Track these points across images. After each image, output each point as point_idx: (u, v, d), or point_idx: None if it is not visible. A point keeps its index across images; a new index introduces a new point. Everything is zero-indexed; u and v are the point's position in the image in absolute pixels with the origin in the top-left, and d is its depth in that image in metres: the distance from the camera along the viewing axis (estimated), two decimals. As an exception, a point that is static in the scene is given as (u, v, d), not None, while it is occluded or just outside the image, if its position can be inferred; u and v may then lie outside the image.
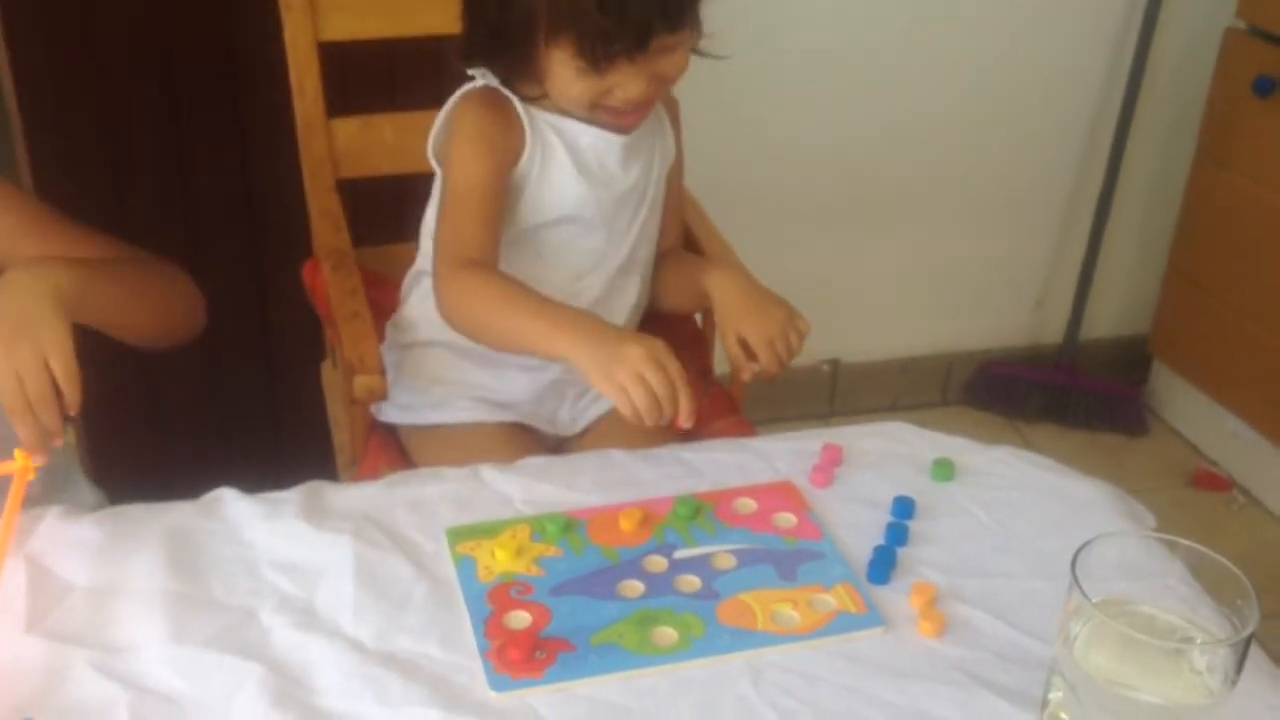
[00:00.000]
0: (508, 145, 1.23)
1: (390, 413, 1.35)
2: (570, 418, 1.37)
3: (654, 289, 1.39)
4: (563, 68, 1.16)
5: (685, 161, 1.41)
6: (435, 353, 1.34)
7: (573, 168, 1.25)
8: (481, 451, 1.16)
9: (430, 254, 1.30)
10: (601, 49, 1.13)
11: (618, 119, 1.23)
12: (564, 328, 1.10)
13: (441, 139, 1.28)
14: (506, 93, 1.24)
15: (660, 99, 1.30)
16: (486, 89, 1.25)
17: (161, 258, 1.16)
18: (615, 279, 1.32)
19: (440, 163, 1.28)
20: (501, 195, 1.23)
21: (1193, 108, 2.27)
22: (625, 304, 1.35)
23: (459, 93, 1.27)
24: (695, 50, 1.25)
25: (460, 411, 1.31)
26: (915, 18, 2.15)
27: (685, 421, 1.05)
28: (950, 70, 2.21)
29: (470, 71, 1.25)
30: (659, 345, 1.06)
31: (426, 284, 1.33)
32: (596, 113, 1.21)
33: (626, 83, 1.16)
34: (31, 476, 0.96)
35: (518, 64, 1.20)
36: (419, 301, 1.35)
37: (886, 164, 2.26)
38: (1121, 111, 2.26)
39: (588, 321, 1.11)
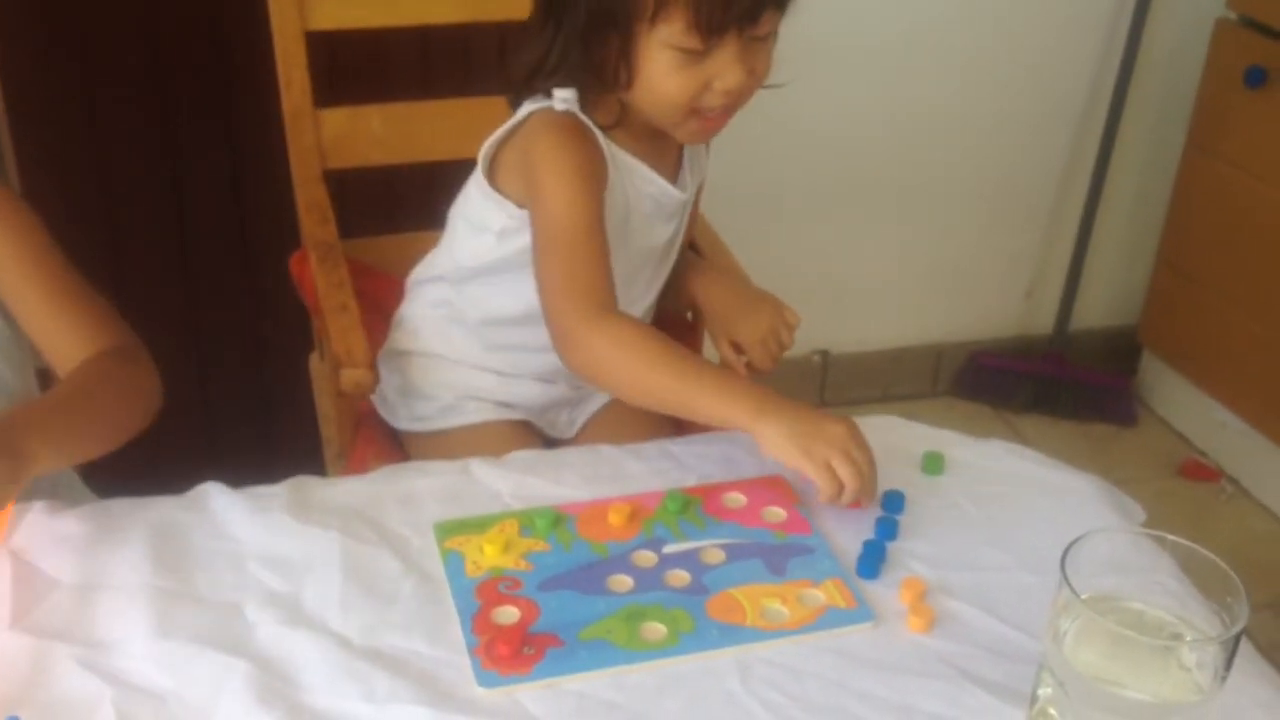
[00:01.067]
0: (601, 181, 1.18)
1: (405, 422, 1.35)
2: (568, 421, 1.36)
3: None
4: (663, 55, 1.11)
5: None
6: (444, 363, 1.32)
7: (629, 213, 1.22)
8: (491, 452, 1.14)
9: (451, 263, 1.28)
10: (718, 15, 1.08)
11: (709, 124, 1.17)
12: (743, 398, 1.04)
13: (499, 154, 1.22)
14: (587, 121, 1.17)
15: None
16: (568, 115, 1.17)
17: (124, 339, 1.11)
18: None
19: (530, 196, 1.18)
20: (606, 234, 1.16)
21: (1183, 98, 2.27)
22: None
23: (529, 112, 1.19)
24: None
25: (470, 414, 1.30)
26: (906, 10, 2.15)
27: (868, 503, 1.01)
28: (941, 61, 2.21)
29: (557, 94, 1.17)
30: (855, 424, 1.02)
31: (432, 292, 1.32)
32: (688, 119, 1.16)
33: (726, 71, 1.11)
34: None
35: (607, 65, 1.14)
36: (425, 311, 1.33)
37: (877, 155, 2.26)
38: (1112, 102, 2.26)
39: (764, 393, 1.05)
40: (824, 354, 2.43)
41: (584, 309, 1.11)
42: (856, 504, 1.00)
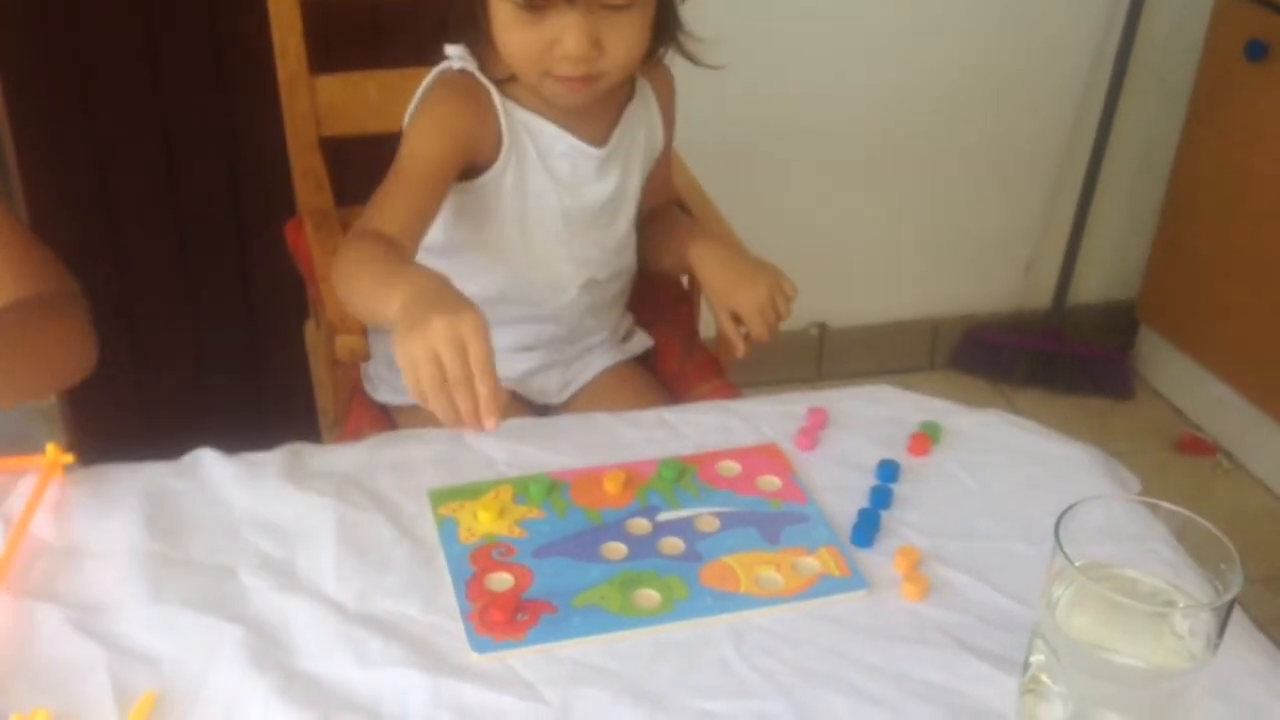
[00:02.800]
0: (474, 136, 1.19)
1: (385, 394, 1.34)
2: (560, 385, 1.36)
3: (640, 249, 1.38)
4: (502, 8, 1.11)
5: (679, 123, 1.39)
6: None
7: (545, 173, 1.23)
8: None
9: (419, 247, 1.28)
10: None
11: (566, 87, 1.16)
12: (403, 288, 0.95)
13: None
14: (484, 81, 1.19)
15: (647, 76, 1.27)
16: (464, 73, 1.20)
17: (62, 288, 1.08)
18: (595, 290, 1.31)
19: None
20: (443, 183, 1.17)
21: (1184, 72, 2.26)
22: (605, 309, 1.35)
23: (434, 72, 1.23)
24: (686, 54, 1.25)
25: None
26: (906, -20, 2.14)
27: (486, 421, 0.88)
28: (942, 34, 2.20)
29: (448, 50, 1.20)
30: (470, 322, 0.88)
31: None
32: (545, 82, 1.16)
33: (565, 35, 1.10)
34: (59, 474, 0.96)
35: (471, 25, 1.16)
36: None
37: (877, 127, 2.25)
38: (1113, 75, 2.25)
39: (429, 284, 0.95)
40: (821, 326, 2.42)
41: (359, 228, 1.12)
42: (476, 423, 0.89)
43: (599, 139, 1.25)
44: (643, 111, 1.29)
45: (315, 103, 1.45)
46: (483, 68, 1.20)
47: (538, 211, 1.24)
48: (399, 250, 1.08)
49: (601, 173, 1.26)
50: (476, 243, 1.25)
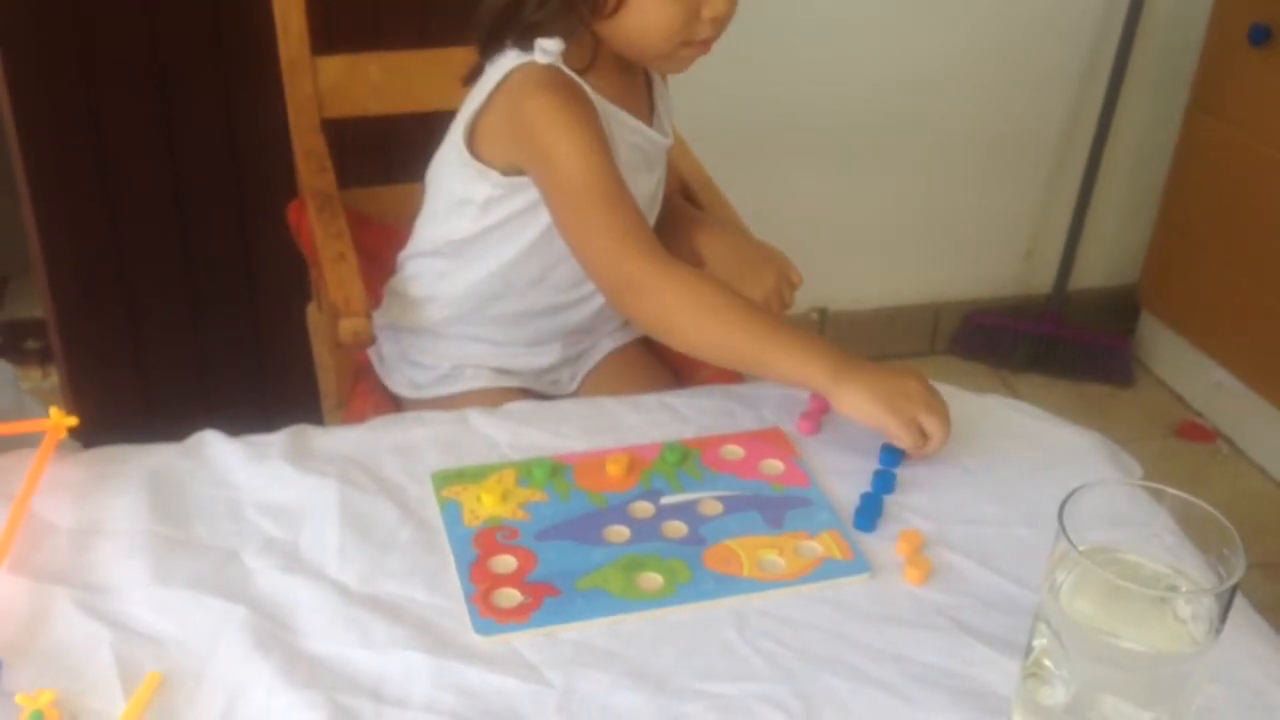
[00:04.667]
0: (604, 131, 1.13)
1: (402, 388, 1.34)
2: (569, 378, 1.36)
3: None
4: None
5: (677, 107, 1.39)
6: (437, 335, 1.31)
7: (623, 165, 1.18)
8: None
9: (435, 239, 1.27)
10: None
11: (698, 51, 1.15)
12: (819, 357, 1.02)
13: (479, 121, 1.17)
14: (571, 74, 1.13)
15: None
16: (551, 70, 1.13)
17: None
18: None
19: (533, 161, 1.14)
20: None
21: (1186, 56, 2.26)
22: None
23: (512, 69, 1.14)
24: None
25: (467, 381, 1.30)
26: (909, -37, 2.13)
27: (935, 451, 1.01)
28: (943, 18, 2.19)
29: (541, 44, 1.12)
30: (924, 375, 1.02)
31: (421, 267, 1.30)
32: (679, 51, 1.14)
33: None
34: (63, 435, 0.96)
35: (567, 15, 1.11)
36: (416, 286, 1.31)
37: (877, 112, 2.25)
38: (1115, 60, 2.25)
39: (838, 351, 1.03)
40: (822, 311, 2.42)
41: (646, 256, 1.07)
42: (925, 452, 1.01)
43: (653, 127, 1.24)
44: (664, 97, 1.29)
45: (317, 84, 1.44)
46: (564, 59, 1.15)
47: None
48: (731, 293, 1.08)
49: (653, 163, 1.25)
50: (511, 231, 1.21)
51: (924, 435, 1.00)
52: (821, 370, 1.01)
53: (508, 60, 1.15)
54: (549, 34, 1.13)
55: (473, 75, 1.20)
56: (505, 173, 1.18)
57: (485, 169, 1.19)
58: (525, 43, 1.14)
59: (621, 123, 1.19)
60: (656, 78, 1.28)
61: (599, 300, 1.28)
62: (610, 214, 1.09)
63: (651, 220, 1.29)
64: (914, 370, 1.03)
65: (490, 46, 1.17)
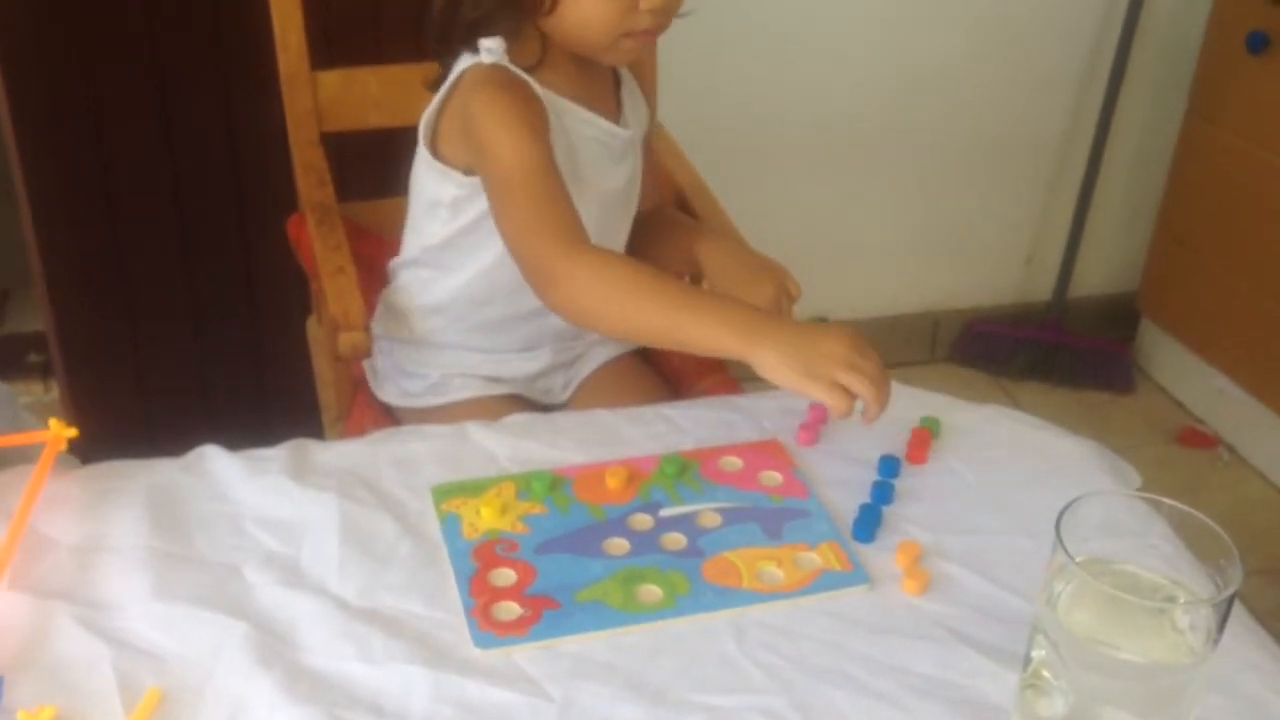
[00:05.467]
0: (545, 125, 1.14)
1: (395, 398, 1.35)
2: (562, 386, 1.36)
3: (641, 248, 1.38)
4: None
5: (669, 114, 1.39)
6: (427, 345, 1.32)
7: (582, 158, 1.21)
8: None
9: (417, 246, 1.28)
10: None
11: (641, 41, 1.16)
12: (732, 323, 0.98)
13: (439, 124, 1.19)
14: (519, 72, 1.15)
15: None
16: (496, 69, 1.15)
17: None
18: None
19: (477, 154, 1.15)
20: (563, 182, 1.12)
21: (1185, 63, 2.26)
22: None
23: (460, 71, 1.17)
24: None
25: (457, 390, 1.30)
26: (907, -29, 2.13)
27: (877, 413, 0.96)
28: (941, 25, 2.20)
29: (482, 44, 1.15)
30: (855, 331, 0.96)
31: (409, 277, 1.31)
32: (620, 44, 1.15)
33: None
34: (63, 447, 0.96)
35: (511, 12, 1.14)
36: (405, 296, 1.32)
37: (876, 119, 2.25)
38: (1113, 67, 2.25)
39: (753, 313, 1.00)
40: (822, 319, 2.42)
41: (557, 243, 1.06)
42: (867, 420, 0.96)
43: (615, 118, 1.25)
44: (632, 93, 1.30)
45: (316, 98, 1.44)
46: (510, 58, 1.17)
47: (576, 198, 1.21)
48: (644, 268, 1.05)
49: (621, 157, 1.26)
50: (483, 234, 1.23)
51: (850, 397, 0.94)
52: (735, 336, 0.97)
53: (462, 62, 1.18)
54: (491, 33, 1.15)
55: (437, 82, 1.23)
56: (466, 173, 1.20)
57: (448, 170, 1.21)
58: (471, 44, 1.17)
59: (577, 117, 1.20)
60: (624, 72, 1.29)
61: None
62: (533, 203, 1.09)
63: (631, 210, 1.30)
64: (840, 330, 0.97)
65: (441, 50, 1.20)
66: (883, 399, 0.96)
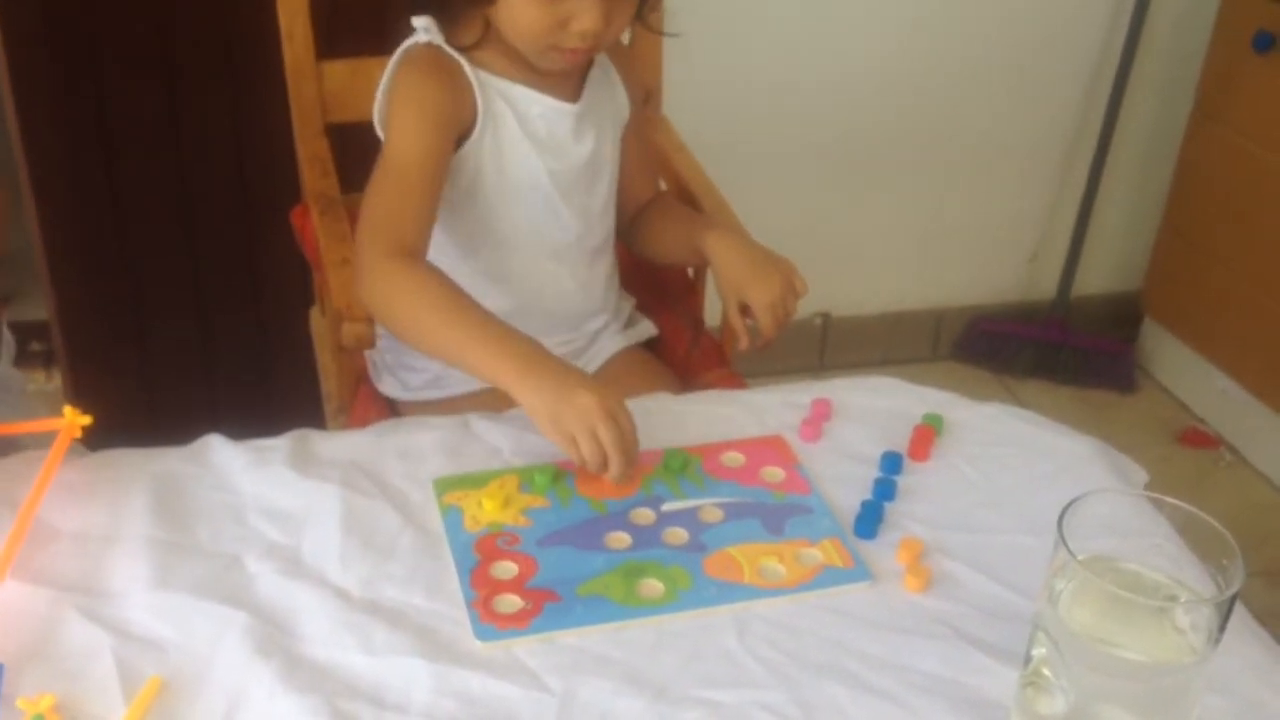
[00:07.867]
0: (456, 114, 1.18)
1: (394, 390, 1.35)
2: None
3: (646, 240, 1.38)
4: None
5: (674, 109, 1.39)
6: None
7: (524, 138, 1.22)
8: None
9: None
10: None
11: (569, 59, 1.17)
12: (510, 357, 1.02)
13: (384, 103, 1.21)
14: (453, 52, 1.18)
15: (607, 48, 1.27)
16: (430, 47, 1.19)
17: None
18: (589, 260, 1.31)
19: (384, 128, 1.20)
20: (443, 174, 1.17)
21: (1191, 63, 2.26)
22: (599, 284, 1.34)
23: (401, 49, 1.20)
24: (645, 24, 1.26)
25: (455, 385, 1.30)
26: (913, -32, 2.13)
27: (619, 482, 0.97)
28: (948, 22, 2.19)
29: (414, 23, 1.18)
30: (612, 395, 0.98)
31: None
32: (548, 54, 1.16)
33: (583, 14, 1.11)
34: (77, 435, 0.96)
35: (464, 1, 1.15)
36: None
37: (881, 117, 2.25)
38: (1119, 66, 2.25)
39: (534, 353, 1.02)
40: (825, 316, 2.42)
41: (381, 246, 1.11)
42: (611, 483, 0.97)
43: (571, 98, 1.25)
44: (604, 77, 1.30)
45: (321, 89, 1.44)
46: (448, 37, 1.19)
47: (521, 178, 1.23)
48: (458, 291, 1.08)
49: (579, 133, 1.26)
50: (456, 223, 1.24)
51: (596, 448, 0.96)
52: (507, 372, 1.01)
53: (404, 44, 1.21)
54: (424, 11, 1.18)
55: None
56: None
57: None
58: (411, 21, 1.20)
59: (516, 95, 1.21)
60: (605, 62, 1.29)
61: (567, 285, 1.30)
62: (386, 199, 1.14)
63: (604, 183, 1.30)
64: (596, 387, 0.98)
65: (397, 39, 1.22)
66: (619, 459, 0.96)
